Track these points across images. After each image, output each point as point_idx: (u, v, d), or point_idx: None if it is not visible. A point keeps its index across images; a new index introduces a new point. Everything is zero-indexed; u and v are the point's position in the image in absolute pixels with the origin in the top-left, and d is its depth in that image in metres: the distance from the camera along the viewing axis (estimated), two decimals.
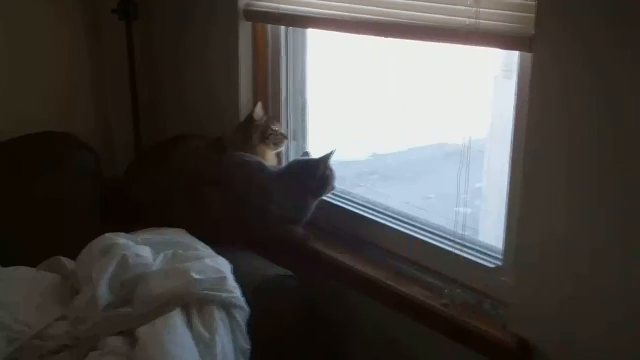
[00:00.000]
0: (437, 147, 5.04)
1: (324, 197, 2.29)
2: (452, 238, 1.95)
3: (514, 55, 1.74)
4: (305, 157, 2.29)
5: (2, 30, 2.42)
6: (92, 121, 2.70)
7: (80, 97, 2.66)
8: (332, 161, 2.22)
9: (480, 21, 1.68)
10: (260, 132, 2.31)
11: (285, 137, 2.38)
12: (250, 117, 2.33)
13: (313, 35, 2.41)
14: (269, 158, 2.36)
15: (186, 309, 1.85)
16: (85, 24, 2.60)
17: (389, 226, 2.16)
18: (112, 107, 2.73)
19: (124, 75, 2.60)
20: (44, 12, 2.50)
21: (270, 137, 2.32)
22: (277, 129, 2.35)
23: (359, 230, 2.25)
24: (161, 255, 2.00)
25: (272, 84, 2.43)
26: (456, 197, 1.84)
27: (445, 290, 1.93)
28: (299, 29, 2.35)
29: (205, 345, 1.79)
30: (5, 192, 2.20)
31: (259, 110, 2.32)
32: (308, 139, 2.49)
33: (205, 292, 1.87)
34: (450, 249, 1.95)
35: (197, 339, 1.80)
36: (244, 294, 1.92)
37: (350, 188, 2.32)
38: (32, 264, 2.10)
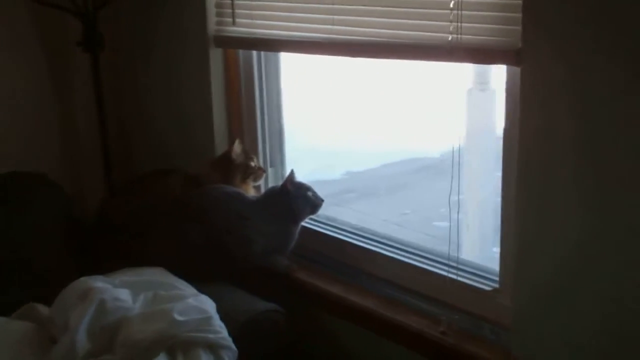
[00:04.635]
0: (408, 162, 5.04)
1: (308, 224, 2.24)
2: (445, 262, 1.88)
3: (489, 69, 1.70)
4: (275, 185, 2.26)
5: None
6: (59, 159, 2.61)
7: (47, 134, 2.57)
8: (308, 181, 2.16)
9: (463, 36, 1.63)
10: (241, 173, 2.26)
11: (264, 171, 2.34)
12: (229, 157, 2.26)
13: (285, 57, 2.35)
14: (249, 190, 2.30)
15: (171, 353, 1.77)
16: (49, 59, 2.53)
17: (377, 252, 2.09)
18: (80, 143, 2.64)
19: (91, 109, 2.50)
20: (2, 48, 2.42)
21: (250, 176, 2.28)
22: (254, 164, 2.29)
23: (345, 257, 2.18)
24: (141, 297, 1.91)
25: (246, 110, 2.36)
26: (433, 212, 1.78)
27: (442, 317, 1.86)
28: (271, 53, 2.29)
29: None
30: None
31: (237, 149, 2.26)
32: (286, 164, 2.43)
33: (190, 334, 1.79)
34: (444, 273, 1.89)
35: None
36: (230, 332, 1.84)
37: (327, 207, 2.24)
38: (4, 312, 1.99)
